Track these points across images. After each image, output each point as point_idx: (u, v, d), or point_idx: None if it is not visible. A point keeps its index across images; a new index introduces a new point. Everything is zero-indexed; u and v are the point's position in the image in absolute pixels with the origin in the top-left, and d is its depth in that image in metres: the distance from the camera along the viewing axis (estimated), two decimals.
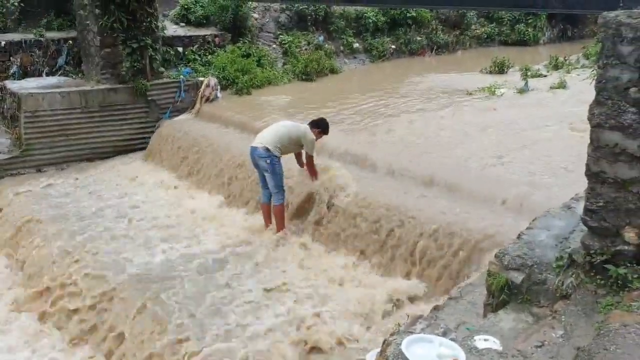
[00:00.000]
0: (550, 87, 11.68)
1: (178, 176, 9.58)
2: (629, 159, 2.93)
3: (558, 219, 3.90)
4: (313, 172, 7.19)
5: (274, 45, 14.87)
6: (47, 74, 11.60)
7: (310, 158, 7.11)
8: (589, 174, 3.12)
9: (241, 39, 13.80)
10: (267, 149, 6.83)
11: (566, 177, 6.45)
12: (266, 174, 6.91)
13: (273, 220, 7.17)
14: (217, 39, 13.39)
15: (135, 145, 10.95)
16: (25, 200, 8.91)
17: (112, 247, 7.19)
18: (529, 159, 7.39)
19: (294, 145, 7.07)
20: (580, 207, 3.48)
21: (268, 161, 6.83)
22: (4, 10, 12.13)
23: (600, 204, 3.07)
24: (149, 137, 10.89)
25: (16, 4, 12.12)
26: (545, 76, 13.12)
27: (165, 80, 11.44)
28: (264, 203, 7.22)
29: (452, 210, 6.18)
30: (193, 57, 12.77)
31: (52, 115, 10.23)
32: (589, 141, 3.09)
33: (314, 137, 7.02)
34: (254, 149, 6.93)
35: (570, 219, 3.81)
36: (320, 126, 7.20)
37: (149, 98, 11.07)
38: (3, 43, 11.39)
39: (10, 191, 9.29)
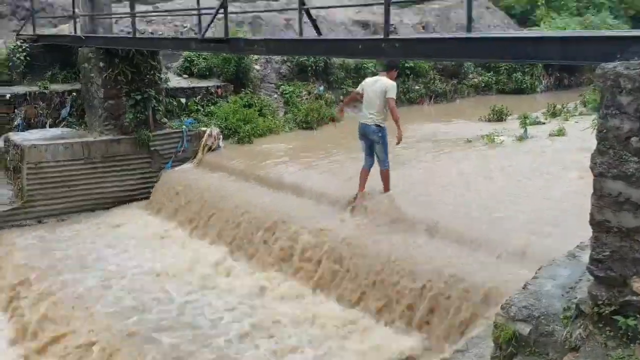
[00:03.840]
0: (550, 135, 11.74)
1: (179, 225, 9.54)
2: (633, 208, 2.93)
3: (563, 268, 3.86)
4: (397, 118, 7.51)
5: (276, 95, 15.09)
6: (51, 126, 11.70)
7: (392, 101, 7.51)
8: (594, 222, 3.11)
9: (243, 89, 14.03)
10: (378, 125, 7.53)
11: (569, 225, 6.40)
12: (377, 145, 7.63)
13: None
14: (219, 90, 13.59)
15: (137, 195, 10.96)
16: (23, 252, 8.84)
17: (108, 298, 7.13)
18: (531, 207, 7.35)
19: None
20: (585, 256, 3.45)
21: (380, 134, 7.56)
22: (10, 64, 12.37)
23: (606, 253, 3.05)
24: (151, 187, 10.91)
25: (22, 57, 12.37)
26: (544, 124, 13.22)
27: (167, 130, 11.56)
28: (365, 168, 7.88)
29: (454, 259, 6.14)
30: (196, 107, 12.93)
31: (55, 166, 10.28)
32: (591, 189, 3.09)
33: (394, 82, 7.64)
34: (366, 126, 7.61)
35: (576, 268, 3.77)
36: (396, 66, 7.95)
37: (152, 148, 11.16)
38: (8, 96, 11.54)
39: (9, 243, 9.25)
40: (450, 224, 6.87)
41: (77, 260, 8.49)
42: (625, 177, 2.92)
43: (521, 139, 11.57)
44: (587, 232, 3.23)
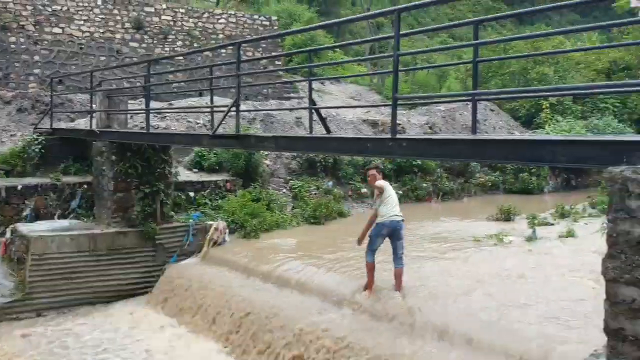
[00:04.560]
0: (559, 236, 11.62)
1: (179, 322, 9.29)
2: None
3: None
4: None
5: (284, 190, 15.25)
6: (60, 217, 11.74)
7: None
8: (608, 330, 2.97)
9: (252, 184, 14.17)
10: (403, 220, 7.89)
11: (583, 331, 6.17)
12: (399, 242, 7.84)
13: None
14: (228, 184, 13.75)
15: (138, 289, 10.78)
16: (17, 348, 8.56)
17: None
18: (543, 311, 7.11)
19: None
20: None
21: (404, 229, 7.92)
22: (25, 155, 12.64)
23: None
24: (154, 282, 10.74)
25: (37, 150, 12.66)
26: (552, 224, 13.14)
27: (174, 224, 11.56)
28: (373, 263, 7.91)
29: None
30: (204, 201, 13.02)
31: (60, 258, 10.19)
32: (604, 294, 2.98)
33: None
34: (398, 222, 7.84)
35: None
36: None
37: (157, 242, 11.12)
38: (20, 187, 11.65)
39: (5, 337, 8.98)
40: (460, 327, 6.63)
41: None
42: (638, 283, 2.82)
43: (530, 239, 11.44)
44: (602, 338, 3.08)
